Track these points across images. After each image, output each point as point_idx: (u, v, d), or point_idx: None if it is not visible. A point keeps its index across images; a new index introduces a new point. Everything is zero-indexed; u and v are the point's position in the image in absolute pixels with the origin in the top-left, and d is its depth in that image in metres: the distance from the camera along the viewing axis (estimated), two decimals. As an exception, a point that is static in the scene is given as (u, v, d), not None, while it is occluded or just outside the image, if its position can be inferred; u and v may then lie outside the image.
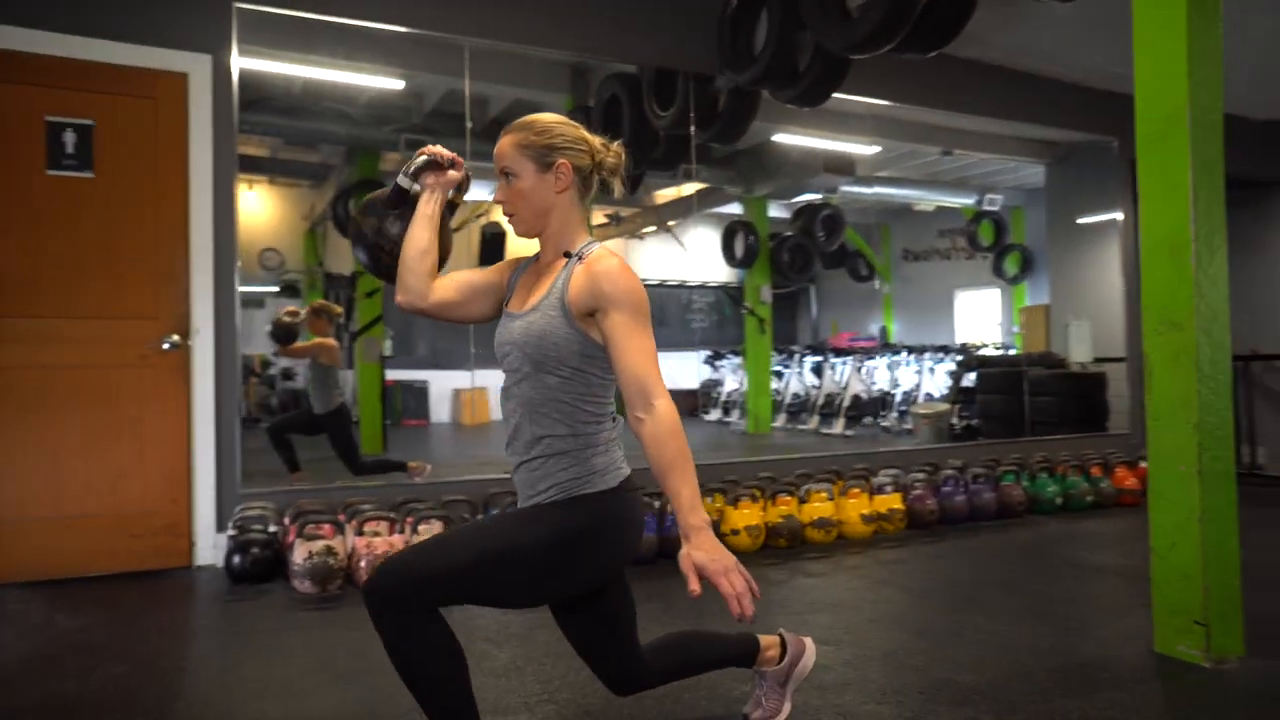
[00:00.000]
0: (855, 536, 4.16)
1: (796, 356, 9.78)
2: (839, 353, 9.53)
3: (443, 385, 7.66)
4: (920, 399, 8.76)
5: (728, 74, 4.49)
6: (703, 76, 4.93)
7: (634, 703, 2.17)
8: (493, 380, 1.86)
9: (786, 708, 2.07)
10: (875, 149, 7.73)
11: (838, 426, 8.63)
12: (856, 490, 4.24)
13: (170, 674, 2.42)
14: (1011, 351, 8.71)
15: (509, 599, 1.65)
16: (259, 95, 5.65)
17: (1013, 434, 6.66)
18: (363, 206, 1.80)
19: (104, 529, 3.47)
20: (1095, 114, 6.20)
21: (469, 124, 4.47)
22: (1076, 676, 2.37)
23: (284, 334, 5.14)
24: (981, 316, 10.61)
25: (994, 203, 9.37)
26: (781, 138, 7.60)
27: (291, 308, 5.50)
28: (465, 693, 1.57)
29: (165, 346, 3.57)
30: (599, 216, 10.00)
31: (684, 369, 10.94)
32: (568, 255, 1.65)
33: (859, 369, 8.98)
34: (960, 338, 10.55)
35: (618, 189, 1.73)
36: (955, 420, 7.70)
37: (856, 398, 8.73)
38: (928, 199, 10.01)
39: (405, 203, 1.75)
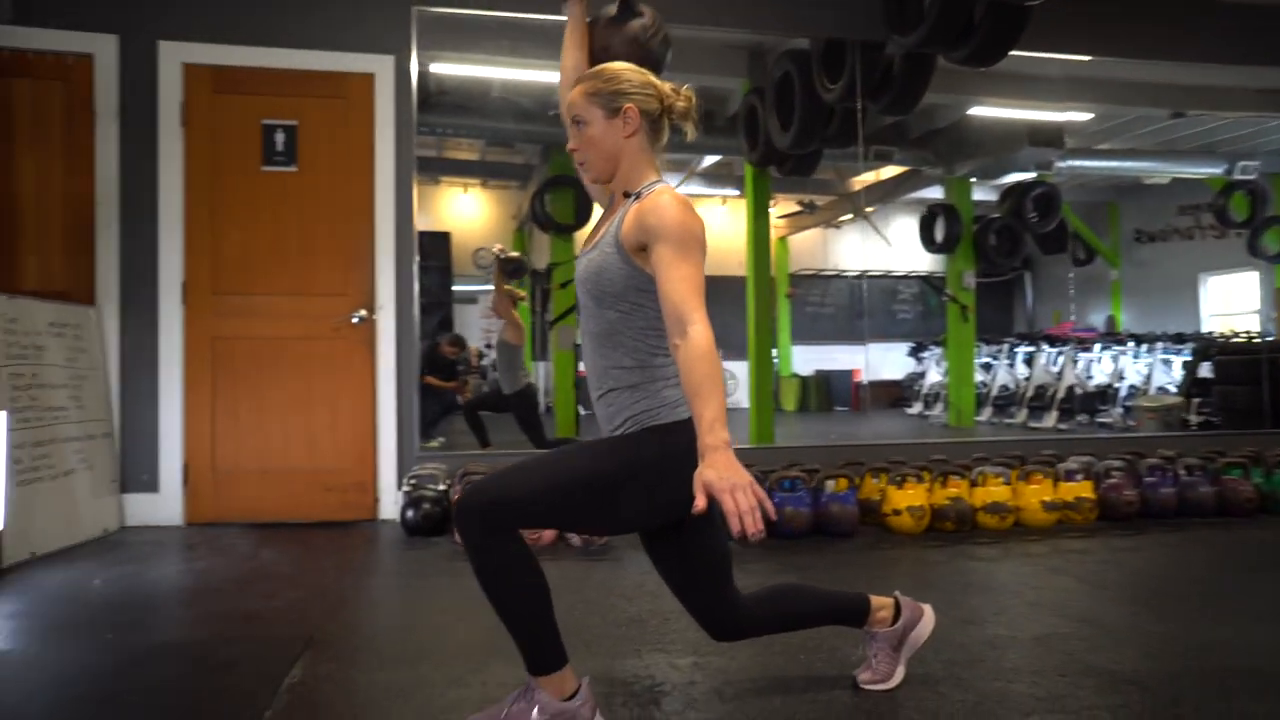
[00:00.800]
0: (1035, 525, 3.83)
1: (1005, 347, 9.09)
2: (1053, 342, 8.75)
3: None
4: (1151, 392, 7.87)
5: (895, 38, 4.28)
6: (871, 44, 4.73)
7: (749, 659, 2.14)
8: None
9: (899, 673, 1.97)
10: (1086, 116, 7.03)
11: (1049, 420, 7.95)
12: (1039, 475, 3.89)
13: (335, 603, 2.72)
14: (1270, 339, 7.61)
15: (584, 525, 1.70)
16: (450, 96, 6.13)
17: (1256, 429, 5.82)
18: None
19: (303, 482, 3.93)
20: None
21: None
22: (1277, 683, 2.01)
23: (516, 267, 5.51)
24: (1236, 303, 9.37)
25: (1248, 170, 8.21)
26: (979, 111, 7.13)
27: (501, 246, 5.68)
28: (543, 611, 1.63)
29: (354, 321, 3.97)
30: (791, 204, 9.84)
31: (889, 360, 10.56)
32: (627, 195, 1.69)
33: (1075, 360, 8.19)
34: (1207, 326, 9.38)
35: (690, 133, 1.75)
36: (1192, 415, 6.85)
37: (1071, 390, 7.98)
38: (1161, 171, 8.93)
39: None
